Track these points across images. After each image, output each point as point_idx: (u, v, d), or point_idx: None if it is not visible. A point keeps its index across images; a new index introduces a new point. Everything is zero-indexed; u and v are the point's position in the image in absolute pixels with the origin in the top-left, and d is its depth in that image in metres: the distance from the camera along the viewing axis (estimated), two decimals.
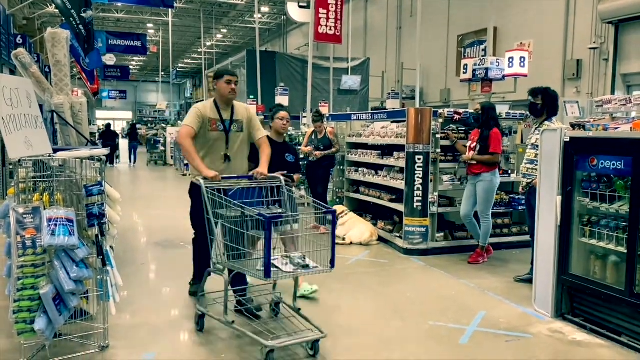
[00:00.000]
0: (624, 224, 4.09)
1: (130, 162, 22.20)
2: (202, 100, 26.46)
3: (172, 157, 21.69)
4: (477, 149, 6.30)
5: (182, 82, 51.30)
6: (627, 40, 11.36)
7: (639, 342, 3.94)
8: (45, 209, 3.48)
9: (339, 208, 7.93)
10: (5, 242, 3.68)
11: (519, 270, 6.01)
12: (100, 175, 3.77)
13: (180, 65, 44.83)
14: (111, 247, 4.19)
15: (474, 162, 6.32)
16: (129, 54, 31.61)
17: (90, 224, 3.68)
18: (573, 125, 4.64)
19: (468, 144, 6.54)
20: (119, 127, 37.27)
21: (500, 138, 6.33)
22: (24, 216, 3.38)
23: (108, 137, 21.25)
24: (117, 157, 22.96)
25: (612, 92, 11.45)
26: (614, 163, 4.16)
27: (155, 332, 4.28)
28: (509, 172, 7.22)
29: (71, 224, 3.45)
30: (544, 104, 5.39)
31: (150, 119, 46.21)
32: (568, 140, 4.47)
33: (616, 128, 4.21)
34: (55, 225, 3.37)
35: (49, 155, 3.74)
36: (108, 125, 23.38)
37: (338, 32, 13.62)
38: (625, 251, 4.02)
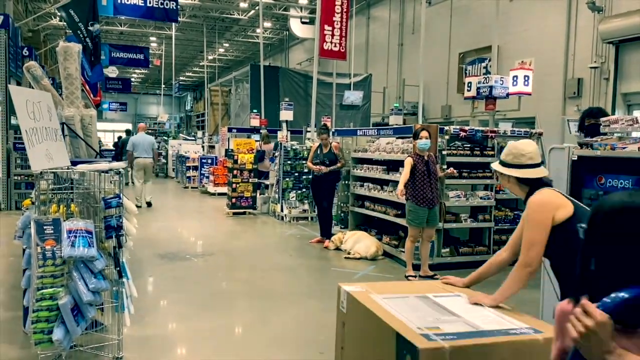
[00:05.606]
0: None
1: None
2: (203, 114, 26.01)
3: (173, 169, 21.67)
4: None
5: (183, 95, 51.58)
6: (627, 60, 11.52)
7: None
8: (63, 220, 3.53)
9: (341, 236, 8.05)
10: (25, 252, 3.73)
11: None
12: (118, 187, 3.83)
13: (181, 78, 45.04)
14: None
15: None
16: (131, 67, 31.79)
17: (108, 235, 3.73)
18: (581, 144, 4.71)
19: None
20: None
21: None
22: (44, 227, 3.43)
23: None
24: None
25: (613, 111, 11.57)
26: (621, 182, 4.23)
27: (168, 344, 4.32)
28: None
29: (90, 236, 3.50)
30: None
31: (150, 131, 46.41)
32: (576, 158, 4.54)
33: (624, 147, 4.28)
34: (75, 236, 3.42)
35: (69, 168, 3.80)
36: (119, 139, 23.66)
37: (343, 48, 13.76)
38: None
